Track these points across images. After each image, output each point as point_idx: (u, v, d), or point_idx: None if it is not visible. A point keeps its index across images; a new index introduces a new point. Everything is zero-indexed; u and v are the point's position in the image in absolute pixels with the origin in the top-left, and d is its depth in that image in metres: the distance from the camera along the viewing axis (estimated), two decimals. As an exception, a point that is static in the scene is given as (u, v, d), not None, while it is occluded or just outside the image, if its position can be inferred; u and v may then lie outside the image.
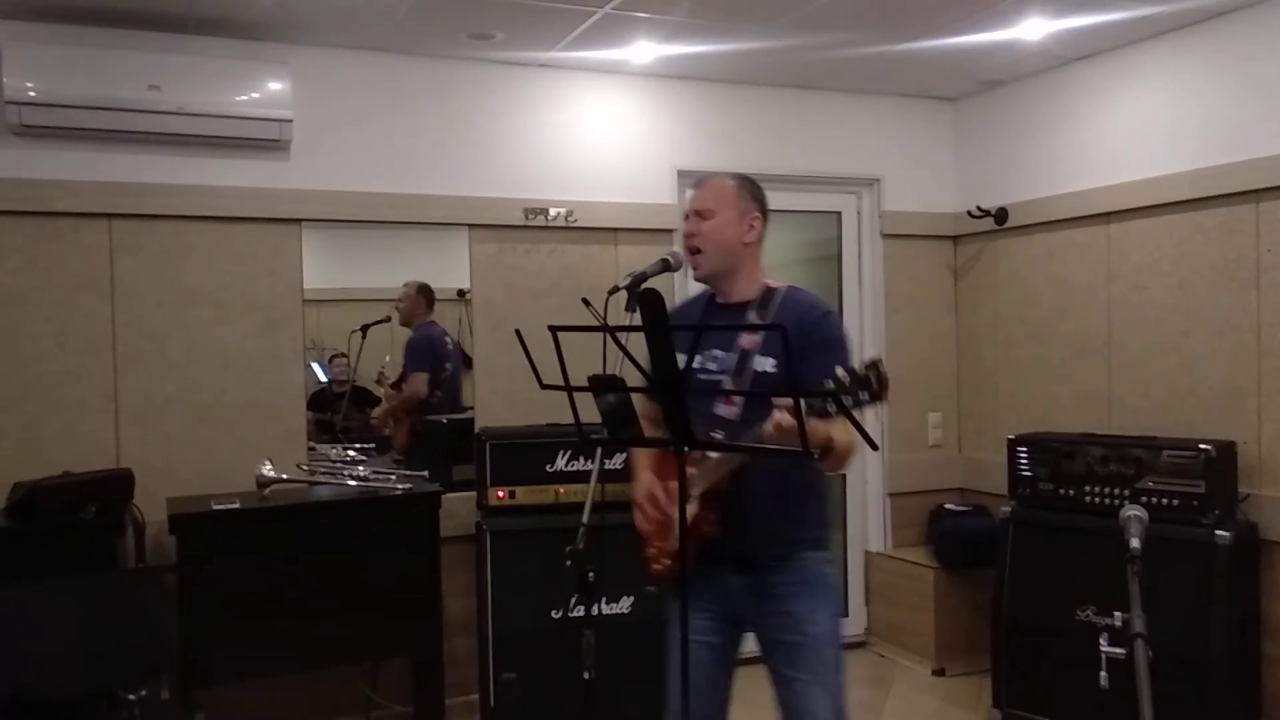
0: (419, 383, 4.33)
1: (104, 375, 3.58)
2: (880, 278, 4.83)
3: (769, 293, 2.38)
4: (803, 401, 1.81)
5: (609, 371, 2.13)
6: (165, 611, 3.21)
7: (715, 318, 2.39)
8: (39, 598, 3.03)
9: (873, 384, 1.89)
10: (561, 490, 3.76)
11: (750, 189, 2.42)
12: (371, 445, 4.20)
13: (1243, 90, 3.61)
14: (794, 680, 2.30)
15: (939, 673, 4.45)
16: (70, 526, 3.19)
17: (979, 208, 4.66)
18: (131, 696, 2.62)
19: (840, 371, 1.93)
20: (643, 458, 2.47)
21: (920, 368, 4.87)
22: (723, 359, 2.33)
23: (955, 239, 4.93)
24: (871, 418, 4.78)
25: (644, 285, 2.24)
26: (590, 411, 2.04)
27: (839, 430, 2.08)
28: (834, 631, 2.37)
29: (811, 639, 2.30)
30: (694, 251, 2.36)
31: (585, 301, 2.20)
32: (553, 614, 3.66)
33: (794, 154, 4.62)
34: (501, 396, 4.09)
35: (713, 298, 2.46)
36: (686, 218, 2.39)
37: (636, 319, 2.03)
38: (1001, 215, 4.58)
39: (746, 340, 2.29)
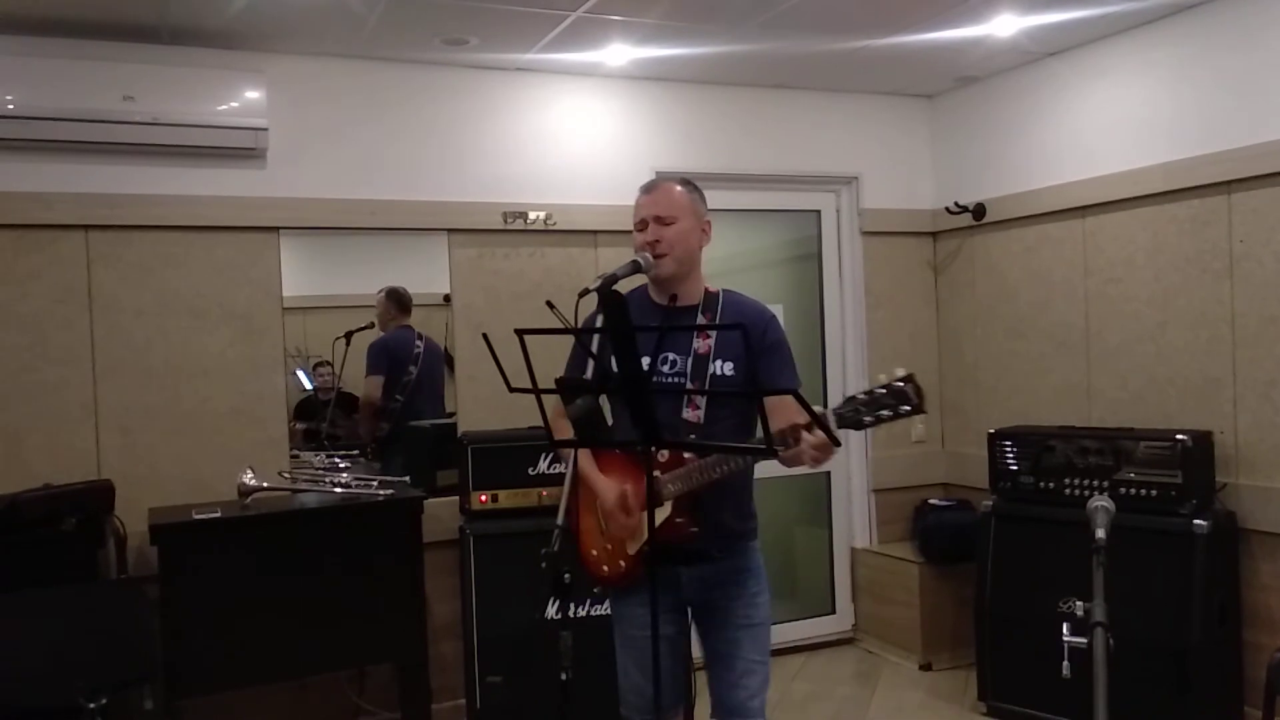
0: (370, 386, 4.31)
1: (84, 386, 3.57)
2: (860, 275, 4.85)
3: (711, 296, 2.46)
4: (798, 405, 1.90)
5: (587, 375, 2.15)
6: (148, 622, 3.21)
7: (661, 320, 2.42)
8: (20, 610, 3.03)
9: (910, 396, 2.00)
10: (544, 493, 3.77)
11: (699, 195, 2.49)
12: (356, 451, 4.21)
13: (1212, 83, 3.64)
14: (735, 659, 2.41)
15: (926, 667, 4.47)
16: (51, 538, 3.20)
17: (957, 204, 4.69)
18: (92, 705, 2.62)
19: (873, 386, 2.05)
20: (595, 463, 2.45)
21: (902, 364, 4.82)
22: (678, 363, 2.38)
23: (934, 235, 4.95)
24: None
25: (615, 287, 2.25)
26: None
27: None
28: (770, 616, 2.50)
29: (756, 623, 2.43)
30: (657, 256, 2.40)
31: (550, 304, 2.22)
32: (537, 616, 3.66)
33: (772, 153, 4.64)
34: (483, 401, 4.10)
35: (650, 300, 2.49)
36: (643, 224, 2.42)
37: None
38: (979, 211, 4.61)
39: (701, 345, 2.35)
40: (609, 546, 2.43)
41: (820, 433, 2.00)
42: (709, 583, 2.42)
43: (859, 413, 2.00)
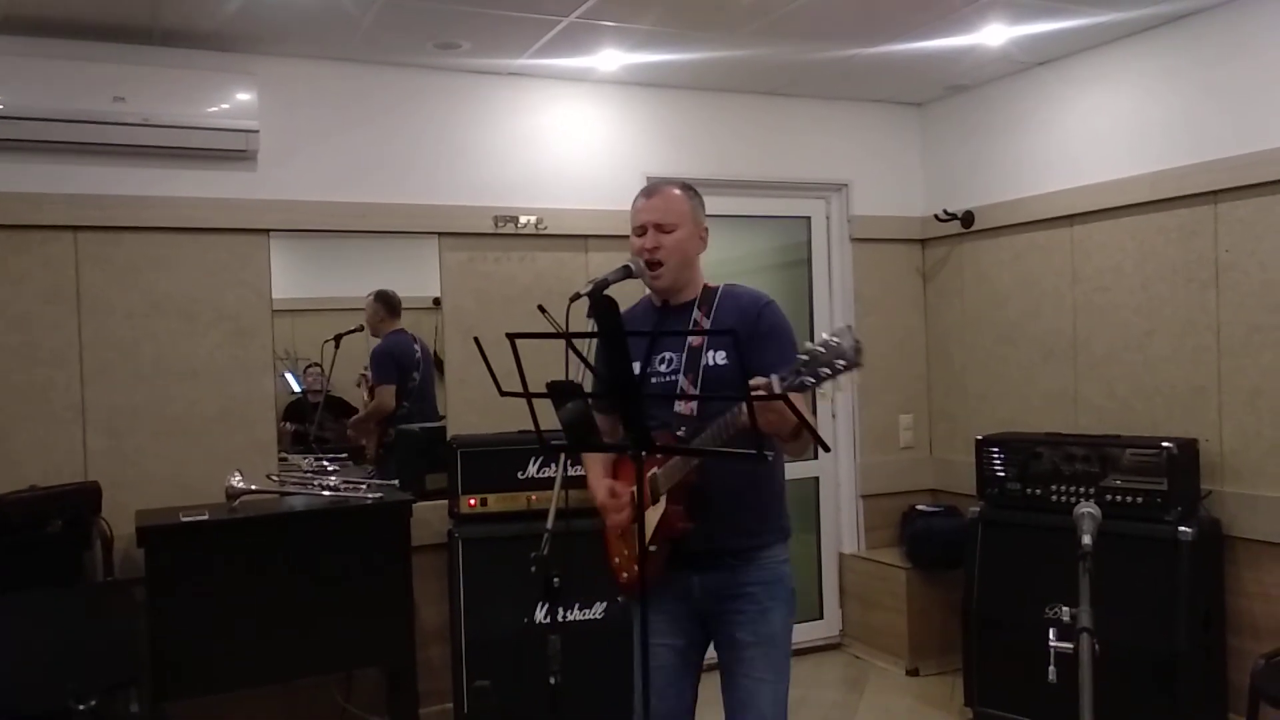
0: (385, 395, 4.32)
1: (71, 387, 3.56)
2: (850, 281, 4.87)
3: (709, 291, 2.44)
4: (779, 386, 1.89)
5: (573, 379, 2.14)
6: (134, 625, 3.20)
7: (662, 321, 2.43)
8: (5, 612, 3.01)
9: (846, 351, 1.90)
10: (533, 497, 3.77)
11: (699, 201, 2.48)
12: (345, 455, 4.20)
13: (1199, 93, 3.67)
14: (743, 678, 2.33)
15: (913, 673, 4.48)
16: (37, 540, 3.18)
17: (946, 211, 4.71)
18: (82, 707, 2.60)
19: (810, 344, 1.95)
20: (596, 465, 2.50)
21: (891, 370, 4.91)
22: (673, 360, 2.38)
23: (923, 242, 4.97)
24: (842, 418, 4.84)
25: (606, 291, 2.25)
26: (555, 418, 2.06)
27: (806, 409, 2.10)
28: (786, 633, 2.40)
29: (764, 639, 2.34)
30: (654, 264, 2.38)
31: (541, 308, 2.22)
32: (525, 620, 3.67)
33: (763, 160, 4.66)
34: (473, 404, 4.09)
35: (650, 304, 2.50)
36: (643, 230, 2.40)
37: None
38: (968, 218, 4.63)
39: (695, 337, 2.35)
40: (626, 552, 2.41)
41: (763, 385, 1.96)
42: (720, 594, 2.36)
43: (800, 374, 1.97)
